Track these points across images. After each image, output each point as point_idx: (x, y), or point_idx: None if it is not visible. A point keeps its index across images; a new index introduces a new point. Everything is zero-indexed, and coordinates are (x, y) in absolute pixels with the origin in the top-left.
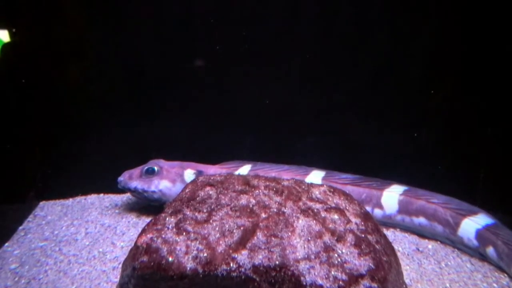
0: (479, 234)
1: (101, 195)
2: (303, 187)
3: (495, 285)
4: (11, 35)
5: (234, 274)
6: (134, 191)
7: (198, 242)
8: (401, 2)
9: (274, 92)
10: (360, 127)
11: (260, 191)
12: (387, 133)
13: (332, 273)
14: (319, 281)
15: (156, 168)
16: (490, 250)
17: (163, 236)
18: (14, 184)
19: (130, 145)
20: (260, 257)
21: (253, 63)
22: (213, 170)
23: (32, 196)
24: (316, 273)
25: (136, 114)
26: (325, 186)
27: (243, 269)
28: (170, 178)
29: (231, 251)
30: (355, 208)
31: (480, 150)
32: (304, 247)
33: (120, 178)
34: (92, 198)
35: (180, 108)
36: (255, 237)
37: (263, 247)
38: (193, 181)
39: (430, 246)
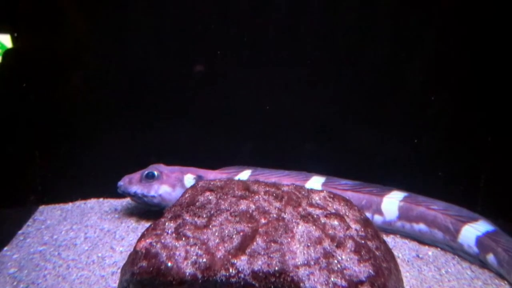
0: (479, 241)
1: (101, 199)
2: (303, 192)
3: None
4: (13, 40)
5: (234, 279)
6: (134, 196)
7: (197, 247)
8: (403, 9)
9: (274, 98)
10: (360, 133)
11: (260, 196)
12: (387, 139)
13: (332, 279)
14: (319, 287)
15: (156, 173)
16: (490, 257)
17: (163, 241)
18: (14, 188)
19: (130, 149)
20: (260, 262)
21: (253, 69)
22: (213, 175)
23: (32, 200)
24: (315, 279)
25: (136, 118)
26: (325, 192)
27: (242, 275)
28: (170, 183)
29: (230, 256)
30: (355, 214)
31: (481, 157)
32: (304, 253)
33: (120, 183)
34: (92, 202)
35: (180, 113)
36: (255, 243)
37: (262, 253)
38: (193, 186)
39: (430, 253)
